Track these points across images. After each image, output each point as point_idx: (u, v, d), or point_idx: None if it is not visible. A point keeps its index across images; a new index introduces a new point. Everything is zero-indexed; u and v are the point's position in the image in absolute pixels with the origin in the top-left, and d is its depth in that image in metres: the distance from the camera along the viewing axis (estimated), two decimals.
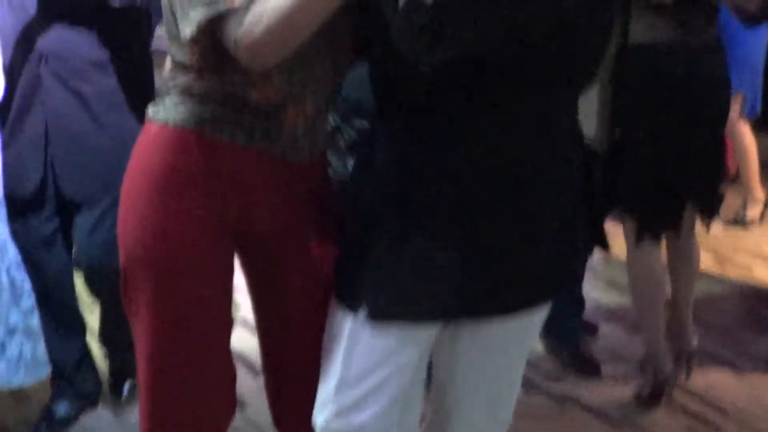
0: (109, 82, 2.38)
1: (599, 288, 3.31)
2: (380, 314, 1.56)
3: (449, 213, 1.52)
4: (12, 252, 2.58)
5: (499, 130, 1.51)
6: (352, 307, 1.58)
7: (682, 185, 2.72)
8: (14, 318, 2.60)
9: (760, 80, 4.33)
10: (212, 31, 1.49)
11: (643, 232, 2.73)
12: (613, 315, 3.42)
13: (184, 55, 1.58)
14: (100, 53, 2.35)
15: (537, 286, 1.61)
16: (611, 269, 3.24)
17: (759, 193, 4.46)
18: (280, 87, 1.58)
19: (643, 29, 2.64)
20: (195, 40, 1.51)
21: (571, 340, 3.05)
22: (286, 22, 1.43)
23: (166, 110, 1.62)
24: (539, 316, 1.68)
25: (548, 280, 1.62)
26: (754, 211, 4.44)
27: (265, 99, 1.58)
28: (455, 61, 1.45)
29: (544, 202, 1.56)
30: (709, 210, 2.79)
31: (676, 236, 2.82)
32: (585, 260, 1.84)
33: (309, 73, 1.60)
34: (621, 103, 2.67)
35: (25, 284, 2.63)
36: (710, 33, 2.68)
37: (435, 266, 1.53)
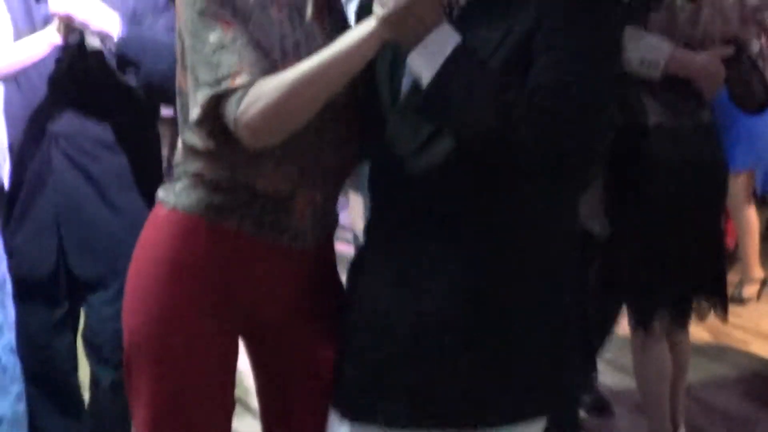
0: (119, 162, 2.37)
1: (601, 368, 3.28)
2: (354, 414, 1.53)
3: (426, 322, 1.49)
4: (6, 337, 2.53)
5: (496, 233, 1.48)
6: (339, 411, 1.56)
7: (678, 277, 2.68)
8: (2, 407, 2.54)
9: None
10: (219, 114, 1.51)
11: (642, 325, 2.70)
12: (616, 396, 3.35)
13: (195, 139, 1.60)
14: (110, 133, 2.35)
15: (522, 403, 1.53)
16: (613, 349, 3.21)
17: (757, 272, 4.44)
18: (289, 177, 1.59)
19: (635, 111, 2.66)
20: (202, 122, 1.54)
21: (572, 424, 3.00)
22: (282, 103, 1.46)
23: (176, 195, 1.64)
24: (533, 428, 1.58)
25: (535, 398, 1.54)
26: (750, 290, 4.42)
27: (274, 188, 1.59)
28: (450, 159, 1.45)
29: (533, 315, 1.51)
30: (716, 299, 2.74)
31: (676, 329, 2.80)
32: (577, 383, 1.73)
33: (318, 163, 1.61)
34: (614, 187, 2.67)
35: (17, 369, 2.57)
36: (703, 114, 2.68)
37: (409, 373, 1.50)
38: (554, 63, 1.38)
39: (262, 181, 1.58)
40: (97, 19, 2.13)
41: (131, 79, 2.19)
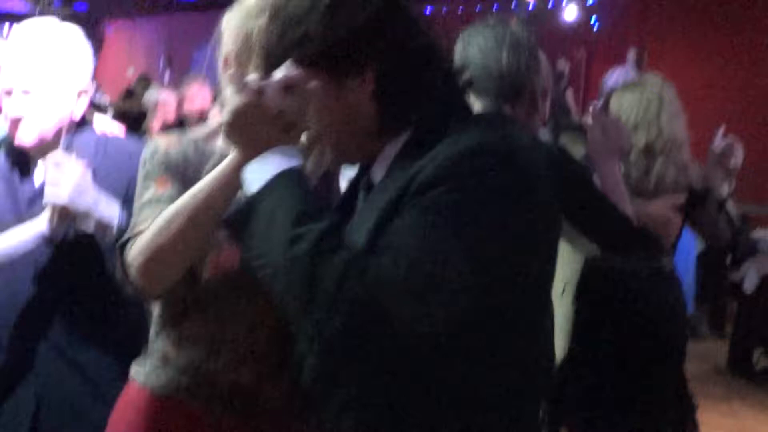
0: (108, 350, 2.20)
1: None
2: None
3: None
4: None
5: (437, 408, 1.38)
6: None
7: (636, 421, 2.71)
8: None
9: (689, 280, 4.48)
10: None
11: None
12: None
13: (156, 309, 1.64)
14: (101, 323, 2.20)
15: None
16: None
17: None
18: (254, 368, 1.59)
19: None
20: (123, 281, 1.55)
21: None
22: (155, 238, 1.48)
23: (146, 373, 1.66)
24: None
25: None
26: None
27: (239, 381, 1.60)
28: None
29: None
30: None
31: None
32: None
33: (283, 360, 1.60)
34: (577, 323, 2.71)
35: None
36: (663, 260, 2.75)
37: None
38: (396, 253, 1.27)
39: (228, 372, 1.59)
40: (97, 210, 2.00)
41: None
